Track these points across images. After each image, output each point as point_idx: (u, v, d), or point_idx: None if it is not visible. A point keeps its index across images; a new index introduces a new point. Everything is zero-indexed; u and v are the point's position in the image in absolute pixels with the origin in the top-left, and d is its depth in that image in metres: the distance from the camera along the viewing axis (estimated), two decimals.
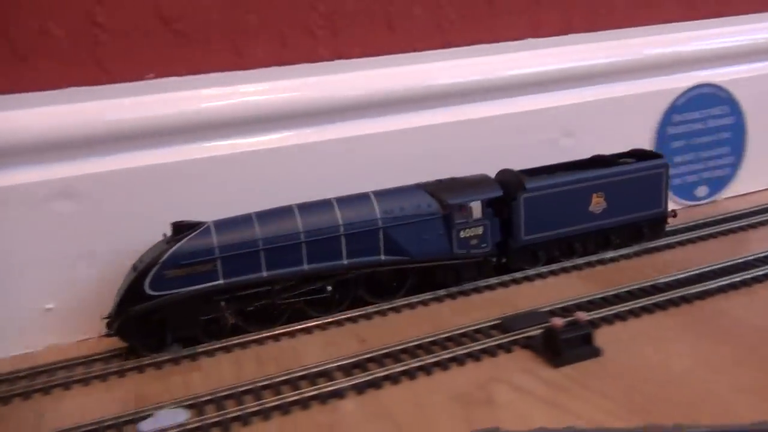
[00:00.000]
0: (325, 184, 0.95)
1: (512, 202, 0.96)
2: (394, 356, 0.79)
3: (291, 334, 0.87)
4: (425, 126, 1.06)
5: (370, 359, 0.78)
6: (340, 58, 1.04)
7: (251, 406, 0.70)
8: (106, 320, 0.83)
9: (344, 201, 0.90)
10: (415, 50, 1.08)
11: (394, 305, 0.92)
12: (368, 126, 1.03)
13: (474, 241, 0.93)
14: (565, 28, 1.17)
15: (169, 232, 0.85)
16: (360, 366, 0.77)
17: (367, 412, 0.69)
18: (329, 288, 0.89)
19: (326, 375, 0.76)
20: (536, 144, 1.11)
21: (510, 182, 0.97)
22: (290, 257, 0.86)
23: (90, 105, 0.90)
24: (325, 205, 0.89)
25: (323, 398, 0.72)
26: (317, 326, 0.89)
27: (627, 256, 1.04)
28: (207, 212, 0.88)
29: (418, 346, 0.80)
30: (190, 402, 0.72)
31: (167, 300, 0.82)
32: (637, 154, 1.07)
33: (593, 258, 1.02)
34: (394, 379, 0.74)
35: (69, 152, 0.89)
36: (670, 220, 1.08)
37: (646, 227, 1.05)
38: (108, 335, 0.83)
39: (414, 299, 0.93)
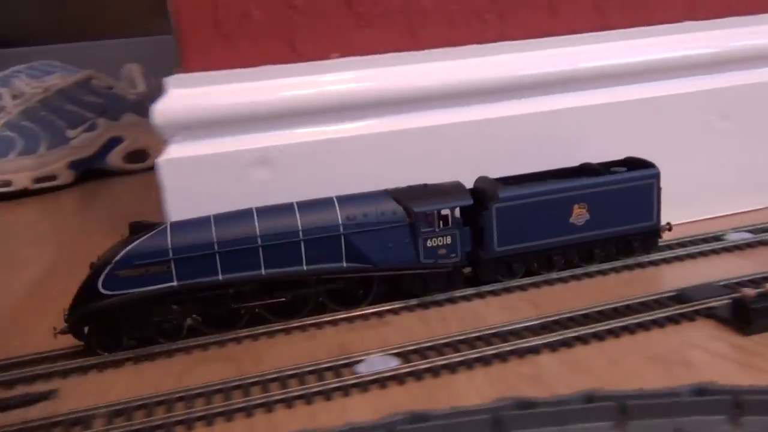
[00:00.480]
0: (501, 160, 1.01)
1: (484, 211, 0.92)
2: (577, 320, 0.83)
3: (467, 298, 0.93)
4: (577, 107, 1.09)
5: (555, 322, 0.83)
6: (504, 40, 1.08)
7: (454, 356, 0.76)
8: (65, 317, 0.83)
9: (306, 206, 0.88)
10: (575, 33, 1.11)
11: (561, 276, 0.97)
12: (533, 105, 1.07)
13: (442, 251, 0.90)
14: (723, 11, 1.17)
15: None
16: (546, 327, 0.82)
17: (566, 367, 0.74)
18: (288, 295, 0.87)
19: (516, 334, 0.81)
20: (694, 125, 1.13)
21: (484, 191, 0.93)
22: (247, 261, 0.85)
23: (283, 81, 0.99)
24: (285, 209, 0.88)
25: (520, 353, 0.77)
26: (489, 292, 0.94)
27: None
28: (389, 184, 0.94)
29: (600, 312, 0.84)
30: (396, 351, 0.79)
31: (120, 300, 0.81)
32: (630, 163, 1.01)
33: (753, 239, 1.03)
34: (583, 339, 0.79)
35: (266, 124, 0.98)
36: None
37: (636, 241, 0.99)
38: (63, 332, 0.83)
39: (578, 271, 0.97)
